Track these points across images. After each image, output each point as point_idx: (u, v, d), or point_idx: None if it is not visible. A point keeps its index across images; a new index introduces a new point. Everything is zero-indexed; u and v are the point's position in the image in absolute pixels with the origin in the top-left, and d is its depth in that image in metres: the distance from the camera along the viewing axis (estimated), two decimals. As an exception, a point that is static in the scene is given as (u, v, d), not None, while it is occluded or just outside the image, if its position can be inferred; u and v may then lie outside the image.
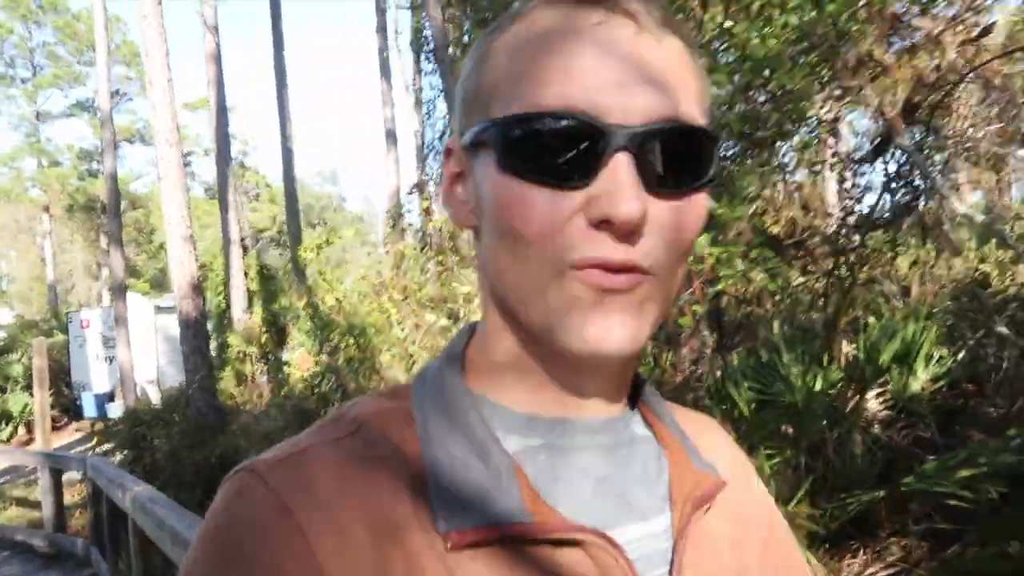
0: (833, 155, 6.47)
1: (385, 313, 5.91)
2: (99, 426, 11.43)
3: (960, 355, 5.71)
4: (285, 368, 11.15)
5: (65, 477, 8.93)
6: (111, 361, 18.64)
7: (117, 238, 14.64)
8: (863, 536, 5.07)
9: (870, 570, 4.89)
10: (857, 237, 6.73)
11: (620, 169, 0.49)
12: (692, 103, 0.53)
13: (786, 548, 0.71)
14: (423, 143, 14.99)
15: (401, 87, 19.90)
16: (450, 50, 8.51)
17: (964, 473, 4.62)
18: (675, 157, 0.51)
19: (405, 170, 20.18)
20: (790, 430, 5.32)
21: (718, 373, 5.85)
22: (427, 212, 8.43)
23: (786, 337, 6.12)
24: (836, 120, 6.14)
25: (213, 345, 12.95)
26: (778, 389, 5.46)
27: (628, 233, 0.50)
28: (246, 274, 15.13)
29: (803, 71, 3.01)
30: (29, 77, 37.11)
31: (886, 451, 5.44)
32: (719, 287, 3.71)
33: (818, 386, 5.31)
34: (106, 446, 10.37)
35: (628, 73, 0.50)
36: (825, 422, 5.37)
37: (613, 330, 0.51)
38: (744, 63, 3.00)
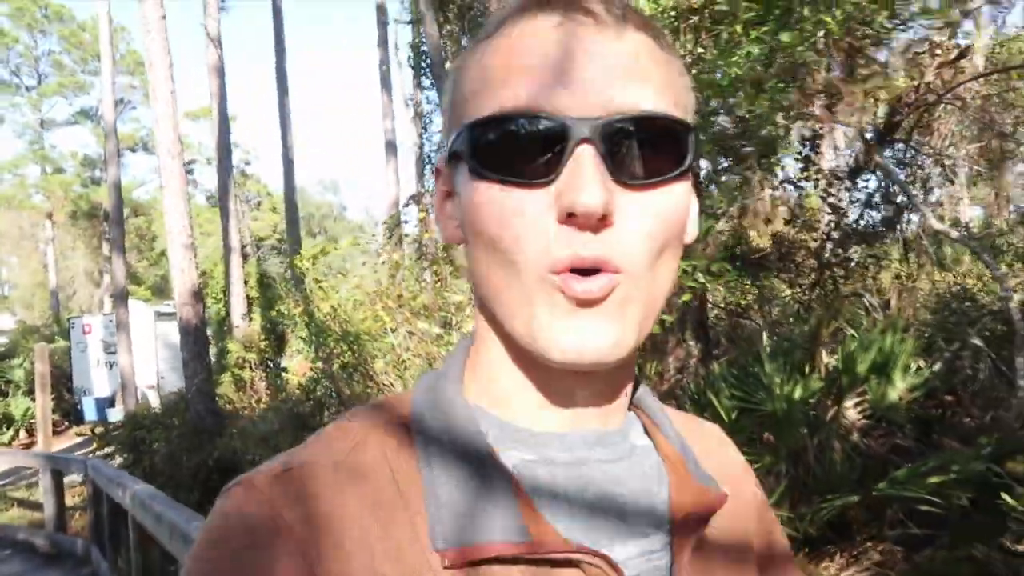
0: (816, 171, 6.68)
1: (379, 321, 6.10)
2: (99, 430, 11.59)
3: (936, 366, 5.89)
4: (284, 374, 11.33)
5: (65, 480, 9.11)
6: (112, 366, 18.84)
7: (120, 246, 14.87)
8: (841, 541, 5.24)
9: (846, 573, 5.06)
10: (840, 251, 6.94)
11: (582, 161, 0.49)
12: (659, 93, 0.53)
13: (784, 558, 0.72)
14: (422, 156, 15.23)
15: (401, 100, 20.11)
16: (447, 66, 8.75)
17: (934, 480, 4.78)
18: (644, 148, 0.51)
19: (404, 181, 20.42)
20: (771, 437, 5.49)
21: (701, 382, 6.03)
22: (423, 223, 8.63)
23: (769, 348, 6.29)
24: (816, 138, 6.36)
25: (213, 351, 13.14)
26: (760, 398, 5.61)
27: (595, 225, 0.49)
28: (246, 282, 15.36)
29: (766, 97, 3.20)
30: (34, 85, 37.54)
31: (864, 458, 5.60)
32: (683, 298, 3.90)
33: (798, 395, 5.46)
34: (106, 449, 10.53)
35: (588, 67, 0.51)
36: (806, 430, 5.54)
37: (592, 338, 0.50)
38: (709, 88, 3.20)
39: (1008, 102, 6.13)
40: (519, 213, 0.50)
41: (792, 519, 5.00)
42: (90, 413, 18.19)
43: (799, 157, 6.56)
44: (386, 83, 19.79)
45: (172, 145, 10.17)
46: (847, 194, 6.75)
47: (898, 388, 5.92)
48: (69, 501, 9.67)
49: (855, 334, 6.12)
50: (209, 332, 12.36)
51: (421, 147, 15.89)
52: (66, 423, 19.67)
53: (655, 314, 0.54)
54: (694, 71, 3.13)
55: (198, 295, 10.34)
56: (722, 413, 5.31)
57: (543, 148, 0.50)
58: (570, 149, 0.49)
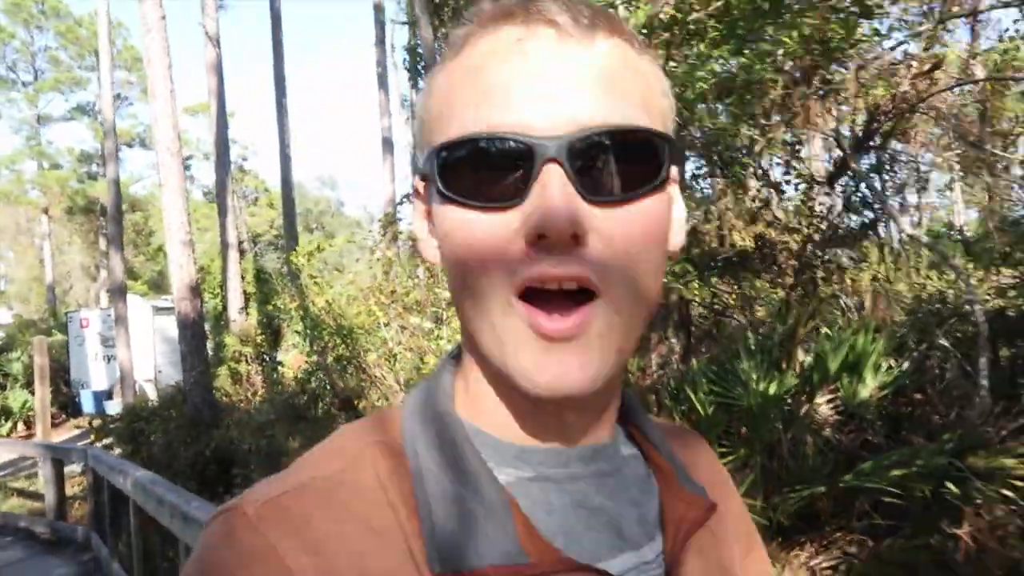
0: (797, 175, 6.93)
1: (373, 316, 6.34)
2: (97, 422, 11.79)
3: (906, 366, 6.13)
4: (280, 368, 11.54)
5: (65, 471, 9.31)
6: (109, 360, 19.05)
7: (118, 243, 15.06)
8: (812, 530, 5.48)
9: (815, 561, 5.31)
10: (820, 253, 7.19)
11: (549, 181, 0.48)
12: (630, 104, 0.51)
13: (763, 564, 0.73)
14: (415, 157, 15.47)
15: (397, 98, 20.31)
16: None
17: (897, 472, 5.02)
18: (616, 162, 0.49)
19: (400, 178, 20.63)
20: (747, 431, 5.72)
21: (681, 377, 6.27)
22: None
23: (748, 345, 6.52)
24: (797, 144, 6.61)
25: (210, 345, 13.35)
26: (738, 393, 5.84)
27: (565, 246, 0.48)
28: (243, 277, 15.59)
29: (728, 111, 3.41)
30: (31, 81, 37.57)
31: (836, 453, 5.84)
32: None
33: (773, 391, 5.69)
34: (105, 441, 10.72)
35: (551, 84, 0.49)
36: (781, 425, 5.78)
37: (568, 375, 0.49)
38: (679, 102, 3.41)
39: (981, 112, 6.38)
40: (488, 237, 0.49)
41: (765, 509, 5.25)
42: (88, 406, 18.39)
43: (781, 161, 6.82)
44: (383, 82, 20.00)
45: (171, 143, 10.36)
46: (827, 198, 7.00)
47: (869, 386, 6.16)
48: (68, 491, 9.86)
49: (829, 333, 6.37)
50: (206, 326, 12.57)
51: (415, 148, 16.12)
52: (64, 416, 19.85)
53: (638, 333, 0.53)
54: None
55: (196, 290, 10.54)
56: (698, 407, 5.55)
57: (510, 170, 0.49)
58: (537, 169, 0.48)
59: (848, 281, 7.63)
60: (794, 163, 6.61)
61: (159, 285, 38.12)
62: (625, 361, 0.54)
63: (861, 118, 6.50)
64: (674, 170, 0.55)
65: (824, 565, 5.27)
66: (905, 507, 4.99)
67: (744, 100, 3.41)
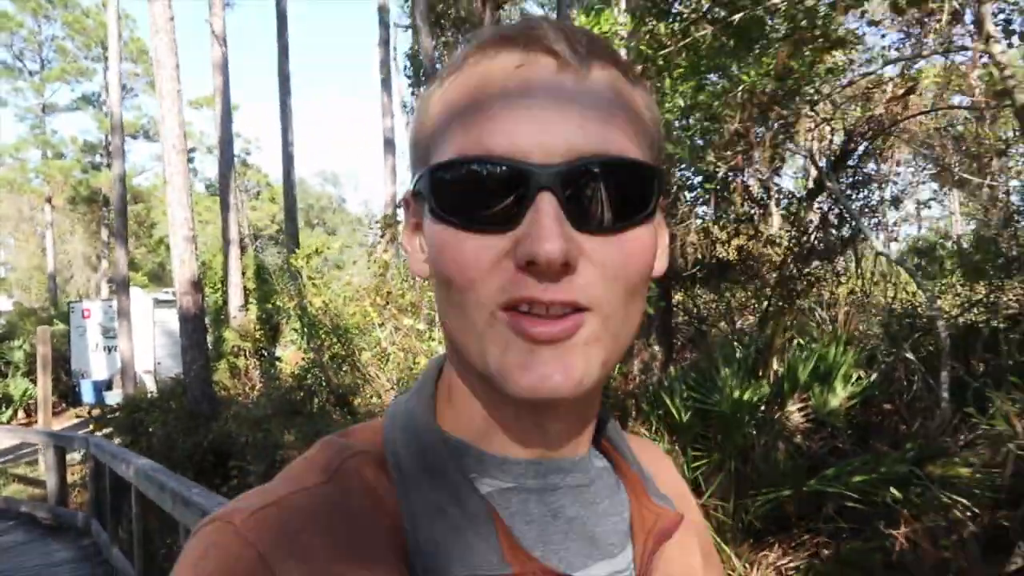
0: (778, 191, 7.22)
1: (368, 316, 6.62)
2: (96, 412, 12.04)
3: (874, 377, 6.41)
4: (278, 363, 11.80)
5: (65, 459, 9.55)
6: (110, 351, 19.34)
7: (122, 236, 15.35)
8: (780, 532, 5.73)
9: (782, 561, 5.57)
10: (800, 266, 7.47)
11: (542, 209, 0.48)
12: (623, 134, 0.52)
13: (717, 571, 0.75)
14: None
15: (399, 100, 20.55)
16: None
17: (858, 478, 5.28)
18: (608, 192, 0.50)
19: (401, 179, 20.89)
20: (721, 436, 5.98)
21: (660, 383, 6.54)
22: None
23: (726, 354, 6.77)
24: (777, 161, 6.89)
25: (210, 339, 13.62)
26: (715, 400, 6.08)
27: (556, 273, 0.49)
28: (243, 273, 15.85)
29: (687, 141, 3.66)
30: (37, 70, 37.79)
31: (805, 459, 6.09)
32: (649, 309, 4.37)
33: (747, 398, 5.94)
34: (104, 431, 10.95)
35: (548, 112, 0.50)
36: (754, 431, 6.05)
37: (552, 377, 0.50)
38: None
39: (951, 135, 6.66)
40: (477, 258, 0.50)
41: (737, 511, 5.51)
42: (88, 395, 18.66)
43: (762, 179, 7.11)
44: (386, 82, 20.25)
45: (176, 141, 10.64)
46: (806, 214, 7.28)
47: (839, 395, 6.42)
48: (68, 479, 10.08)
49: (802, 343, 6.64)
50: (207, 321, 12.84)
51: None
52: (64, 405, 20.11)
53: (622, 350, 0.55)
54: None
55: (197, 285, 10.81)
56: (674, 413, 5.81)
57: (503, 194, 0.49)
58: (530, 196, 0.49)
59: (827, 294, 7.92)
60: (774, 180, 6.88)
61: (160, 277, 38.40)
62: (607, 376, 0.55)
63: (839, 138, 6.79)
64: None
65: (790, 566, 5.50)
66: (869, 511, 5.24)
67: (706, 130, 3.67)
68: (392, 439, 0.59)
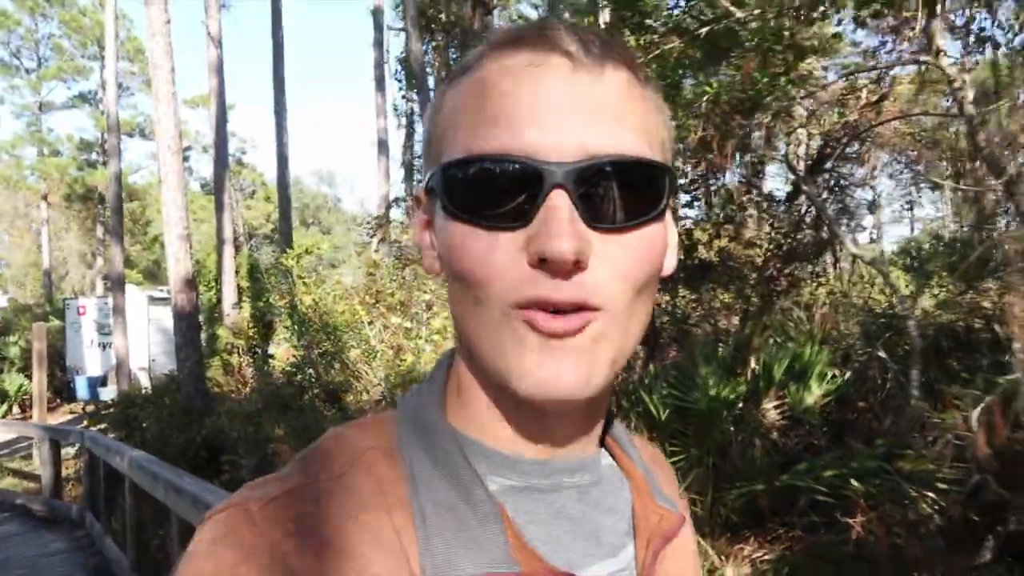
0: (758, 194, 7.41)
1: (357, 315, 6.80)
2: (91, 408, 12.19)
3: (848, 375, 6.59)
4: (271, 360, 11.95)
5: (60, 453, 9.69)
6: (105, 347, 19.48)
7: (118, 234, 15.49)
8: (756, 526, 5.89)
9: (757, 554, 5.73)
10: (781, 267, 7.65)
11: (555, 207, 0.49)
12: (635, 134, 0.53)
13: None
14: (411, 161, 15.84)
15: (392, 102, 20.69)
16: (430, 81, 9.41)
17: (829, 473, 5.45)
18: (620, 191, 0.51)
19: (395, 179, 21.04)
20: (700, 433, 6.14)
21: (641, 381, 6.71)
22: (402, 225, 9.30)
23: (706, 353, 6.93)
24: (758, 164, 7.09)
25: (204, 336, 13.77)
26: (694, 397, 6.24)
27: (568, 271, 0.49)
28: (237, 272, 16.01)
29: None
30: (34, 68, 37.86)
31: (782, 455, 6.26)
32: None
33: (725, 396, 6.10)
34: (99, 426, 11.08)
35: (562, 111, 0.51)
36: (732, 428, 6.22)
37: (562, 374, 0.50)
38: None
39: (921, 139, 6.85)
40: (490, 255, 0.51)
41: (715, 505, 5.68)
42: (82, 391, 18.81)
43: (743, 182, 7.31)
44: (380, 83, 20.39)
45: (172, 142, 10.80)
46: (786, 216, 7.47)
47: (815, 393, 6.58)
48: (63, 473, 10.22)
49: (779, 341, 6.83)
50: (201, 318, 12.97)
51: (404, 155, 16.54)
52: (58, 401, 20.21)
53: (631, 349, 0.55)
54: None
55: (192, 283, 10.96)
56: (653, 410, 5.97)
57: (516, 192, 0.50)
58: (543, 194, 0.49)
59: (807, 294, 8.12)
60: (754, 183, 7.06)
61: (154, 274, 38.48)
62: (615, 375, 0.55)
63: (817, 143, 6.98)
64: None
65: (765, 558, 5.65)
66: (840, 505, 5.40)
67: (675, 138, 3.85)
68: (403, 434, 0.59)
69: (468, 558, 0.52)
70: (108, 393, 16.07)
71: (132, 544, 6.12)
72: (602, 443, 0.65)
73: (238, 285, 15.81)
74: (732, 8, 3.88)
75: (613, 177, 0.51)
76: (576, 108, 0.51)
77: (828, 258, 8.08)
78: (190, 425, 9.45)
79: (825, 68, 5.61)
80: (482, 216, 0.51)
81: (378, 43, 20.24)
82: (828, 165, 6.99)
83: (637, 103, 0.54)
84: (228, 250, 15.61)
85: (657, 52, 3.60)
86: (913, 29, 5.07)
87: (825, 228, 7.25)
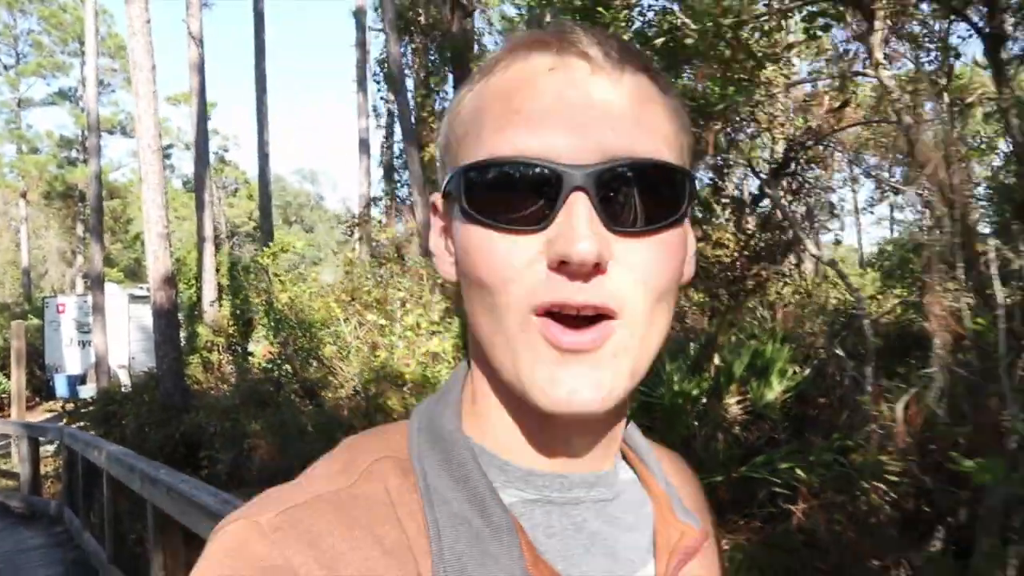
0: (725, 197, 7.62)
1: (332, 312, 6.95)
2: (70, 406, 12.24)
3: (808, 372, 6.83)
4: (250, 358, 12.04)
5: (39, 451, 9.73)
6: (84, 345, 19.45)
7: (98, 233, 15.52)
8: (717, 518, 6.11)
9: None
10: (748, 267, 7.88)
11: (575, 209, 0.49)
12: (655, 138, 0.52)
13: None
14: (391, 160, 15.95)
15: (371, 103, 20.79)
16: (408, 82, 9.57)
17: (784, 465, 5.67)
18: (639, 194, 0.51)
19: (376, 178, 21.15)
20: (664, 427, 6.35)
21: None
22: (380, 224, 9.45)
23: (672, 350, 7.14)
24: (724, 168, 7.31)
25: (184, 334, 13.83)
26: (660, 393, 6.45)
27: (587, 274, 0.49)
28: (217, 270, 16.08)
29: None
30: (12, 64, 37.55)
31: (744, 448, 6.48)
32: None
33: (689, 391, 6.31)
34: (78, 424, 11.13)
35: (581, 114, 0.50)
36: (696, 422, 6.42)
37: (581, 390, 0.50)
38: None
39: (883, 145, 7.10)
40: (509, 258, 0.50)
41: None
42: (61, 389, 18.78)
43: (711, 185, 7.52)
44: (362, 83, 20.49)
45: (152, 140, 10.86)
46: (752, 218, 7.70)
47: (775, 389, 6.81)
48: (41, 470, 10.25)
49: (740, 339, 7.05)
50: (181, 316, 13.04)
51: (383, 155, 16.66)
52: (37, 399, 20.15)
53: (650, 359, 0.54)
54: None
55: (171, 281, 11.04)
56: (619, 405, 6.16)
57: (536, 195, 0.50)
58: (563, 197, 0.49)
59: (774, 294, 8.35)
60: (720, 186, 7.27)
61: (136, 273, 38.31)
62: (635, 386, 0.54)
63: (781, 147, 7.21)
64: None
65: (724, 548, 5.88)
66: (795, 496, 5.61)
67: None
68: (417, 444, 0.58)
69: (482, 571, 0.51)
70: (87, 391, 16.08)
71: (110, 537, 6.23)
72: (623, 455, 0.64)
73: (219, 283, 15.89)
74: (687, 20, 4.08)
75: (633, 180, 0.51)
76: (594, 110, 0.51)
77: (794, 259, 8.33)
78: (169, 421, 9.55)
79: (786, 77, 5.83)
80: (500, 219, 0.51)
81: (360, 44, 20.33)
82: (792, 168, 7.22)
83: (656, 107, 0.54)
84: (208, 248, 15.68)
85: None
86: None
87: (788, 230, 7.49)
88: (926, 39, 4.55)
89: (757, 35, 4.87)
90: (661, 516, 0.61)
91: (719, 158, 7.14)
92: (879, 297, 8.66)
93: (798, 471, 5.02)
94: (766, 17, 4.54)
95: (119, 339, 18.84)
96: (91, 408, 11.45)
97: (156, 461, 5.13)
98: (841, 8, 4.45)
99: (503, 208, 0.51)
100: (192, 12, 15.69)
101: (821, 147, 7.10)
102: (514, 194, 0.50)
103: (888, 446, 4.26)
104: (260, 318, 8.80)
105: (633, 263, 0.50)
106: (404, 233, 9.61)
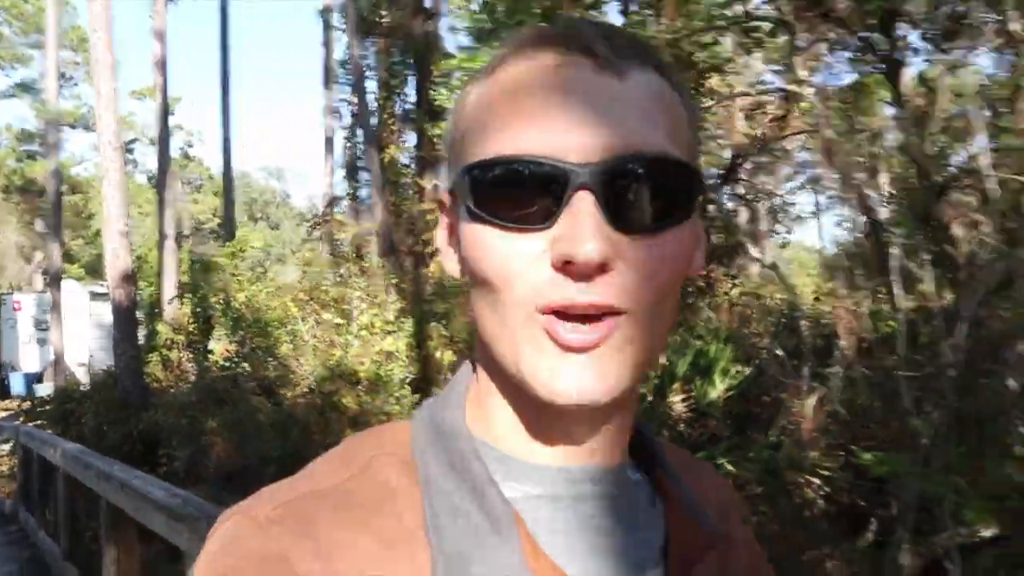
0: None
1: (288, 311, 7.07)
2: (27, 405, 12.14)
3: (750, 371, 7.11)
4: (210, 356, 12.05)
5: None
6: (42, 343, 19.20)
7: (58, 231, 15.37)
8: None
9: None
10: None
11: (580, 208, 0.48)
12: (662, 135, 0.51)
13: None
14: (353, 159, 15.98)
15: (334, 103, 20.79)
16: (373, 83, 9.65)
17: (721, 460, 5.93)
18: (646, 192, 0.50)
19: (339, 178, 21.16)
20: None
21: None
22: (339, 224, 9.56)
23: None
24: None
25: (143, 332, 13.77)
26: (604, 390, 6.65)
27: (592, 274, 0.48)
28: (180, 267, 16.02)
29: None
30: (-30, 56, 36.76)
31: (687, 445, 6.74)
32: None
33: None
34: (36, 423, 11.06)
35: (586, 112, 0.50)
36: (643, 419, 6.67)
37: (584, 383, 0.49)
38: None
39: (826, 151, 7.39)
40: (514, 257, 0.50)
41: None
42: (17, 388, 18.54)
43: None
44: (328, 82, 20.45)
45: (112, 138, 10.87)
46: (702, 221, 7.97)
47: (718, 388, 7.08)
48: (-2, 468, 10.24)
49: (687, 338, 7.31)
50: (142, 314, 12.99)
51: (345, 154, 16.72)
52: (-8, 397, 19.91)
53: (658, 352, 0.54)
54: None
55: (130, 278, 11.05)
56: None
57: (541, 193, 0.49)
58: (568, 195, 0.48)
59: (722, 295, 8.64)
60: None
61: (96, 269, 37.68)
62: (642, 379, 0.55)
63: (728, 153, 7.50)
64: None
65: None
66: (753, 493, 5.86)
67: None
68: (418, 439, 0.58)
69: (480, 564, 0.50)
70: (44, 389, 15.90)
71: (65, 534, 6.28)
72: (633, 453, 0.62)
73: (180, 280, 15.83)
74: (635, 31, 4.29)
75: (640, 178, 0.50)
76: (600, 107, 0.50)
77: (744, 261, 8.62)
78: (127, 419, 9.57)
79: (731, 86, 6.09)
80: (505, 218, 0.50)
81: (326, 43, 20.31)
82: (738, 175, 7.50)
83: (663, 103, 0.53)
84: (170, 245, 15.62)
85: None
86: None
87: (734, 234, 7.78)
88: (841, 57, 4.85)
89: (695, 49, 5.12)
90: (673, 516, 0.60)
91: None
92: (828, 297, 8.98)
93: (730, 466, 5.26)
94: (702, 33, 4.78)
95: (78, 337, 18.64)
96: (48, 407, 11.38)
97: (112, 459, 5.22)
98: (773, 25, 4.71)
99: (508, 206, 0.50)
100: (157, 9, 15.61)
101: (766, 155, 7.38)
102: (519, 192, 0.50)
103: (799, 440, 4.52)
104: (219, 316, 8.86)
105: (640, 261, 0.50)
106: (363, 233, 9.73)
